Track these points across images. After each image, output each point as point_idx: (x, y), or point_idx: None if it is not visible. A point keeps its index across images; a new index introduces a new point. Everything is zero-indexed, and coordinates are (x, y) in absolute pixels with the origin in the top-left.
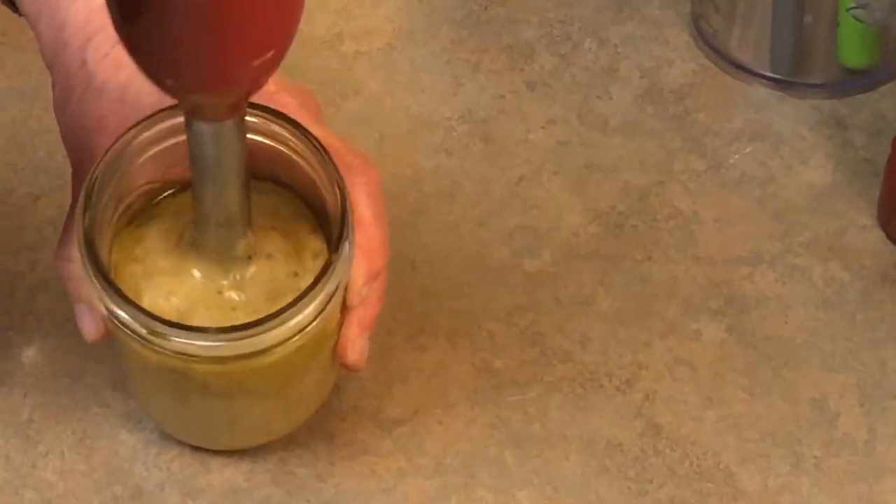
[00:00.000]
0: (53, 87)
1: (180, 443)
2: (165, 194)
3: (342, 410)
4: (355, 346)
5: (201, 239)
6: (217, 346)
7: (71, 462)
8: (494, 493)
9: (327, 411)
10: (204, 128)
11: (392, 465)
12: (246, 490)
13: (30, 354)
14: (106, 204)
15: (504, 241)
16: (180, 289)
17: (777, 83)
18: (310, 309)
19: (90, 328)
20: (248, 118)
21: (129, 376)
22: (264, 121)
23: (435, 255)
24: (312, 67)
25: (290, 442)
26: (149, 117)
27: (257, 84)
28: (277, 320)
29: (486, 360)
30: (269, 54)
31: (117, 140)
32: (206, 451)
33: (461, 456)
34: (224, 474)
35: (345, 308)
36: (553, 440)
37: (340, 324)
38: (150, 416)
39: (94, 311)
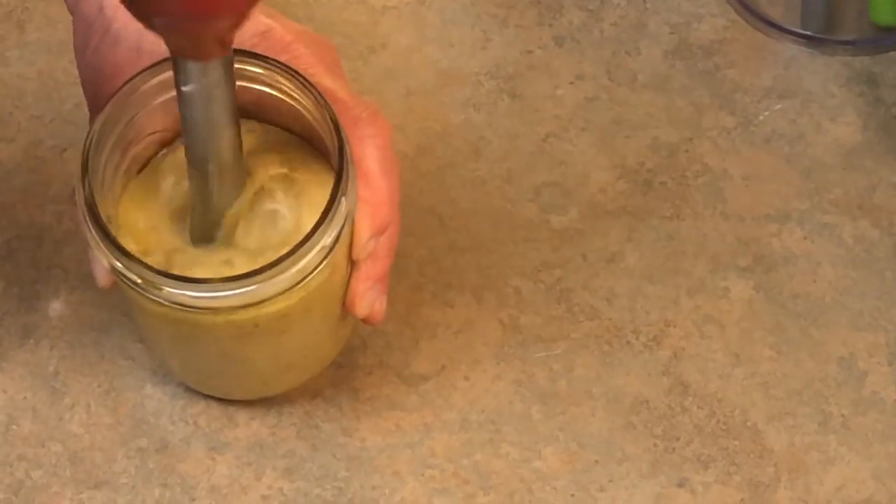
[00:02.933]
0: (74, 33)
1: (206, 396)
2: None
3: (368, 365)
4: (363, 299)
5: (196, 196)
6: (212, 296)
7: (97, 415)
8: (520, 448)
9: (353, 366)
10: (190, 67)
11: (418, 420)
12: (271, 444)
13: (56, 307)
14: (111, 154)
15: (531, 198)
16: (185, 242)
17: (808, 40)
18: (304, 262)
19: (102, 275)
20: (253, 69)
21: (143, 328)
22: (269, 71)
23: (462, 210)
24: (340, 21)
25: (315, 396)
26: (150, 67)
27: (238, 16)
28: (270, 272)
29: (512, 317)
30: None
31: (118, 90)
32: (232, 404)
33: (487, 412)
34: (250, 428)
35: (352, 262)
36: (579, 397)
37: (349, 278)
38: (167, 366)
39: None
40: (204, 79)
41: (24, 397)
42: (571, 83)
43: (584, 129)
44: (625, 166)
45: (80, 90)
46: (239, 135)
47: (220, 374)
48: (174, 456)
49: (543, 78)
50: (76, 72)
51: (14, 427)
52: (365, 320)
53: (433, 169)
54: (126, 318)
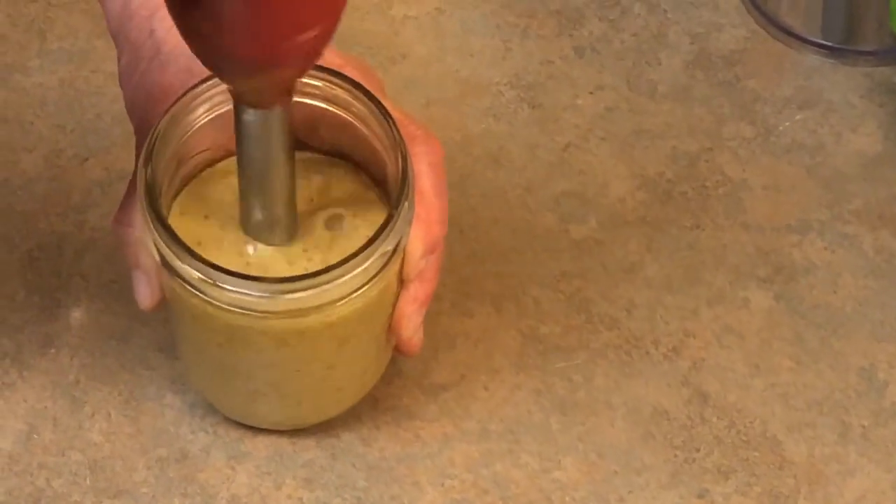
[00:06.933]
0: (119, 58)
1: None
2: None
3: (387, 375)
4: (410, 321)
5: (249, 232)
6: (271, 298)
7: (117, 424)
8: (539, 458)
9: None
10: (250, 115)
11: (437, 430)
12: (290, 454)
13: (77, 316)
14: (167, 164)
15: (551, 207)
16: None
17: (828, 50)
18: (367, 265)
19: (146, 296)
20: (311, 81)
21: (181, 342)
22: (327, 84)
23: (482, 220)
24: (361, 31)
25: None
26: (210, 76)
27: (302, 63)
28: (333, 273)
29: (531, 327)
30: (315, 31)
31: (182, 96)
32: None
33: (506, 422)
34: (269, 438)
35: (401, 282)
36: (598, 407)
37: (396, 299)
38: (199, 388)
39: (150, 278)
40: (264, 125)
41: (45, 406)
42: (591, 93)
43: (604, 138)
44: (644, 176)
45: (102, 100)
46: (293, 180)
47: (254, 399)
48: (194, 465)
49: (563, 88)
50: (98, 81)
51: (35, 436)
52: (403, 349)
53: (453, 178)
54: (146, 327)
